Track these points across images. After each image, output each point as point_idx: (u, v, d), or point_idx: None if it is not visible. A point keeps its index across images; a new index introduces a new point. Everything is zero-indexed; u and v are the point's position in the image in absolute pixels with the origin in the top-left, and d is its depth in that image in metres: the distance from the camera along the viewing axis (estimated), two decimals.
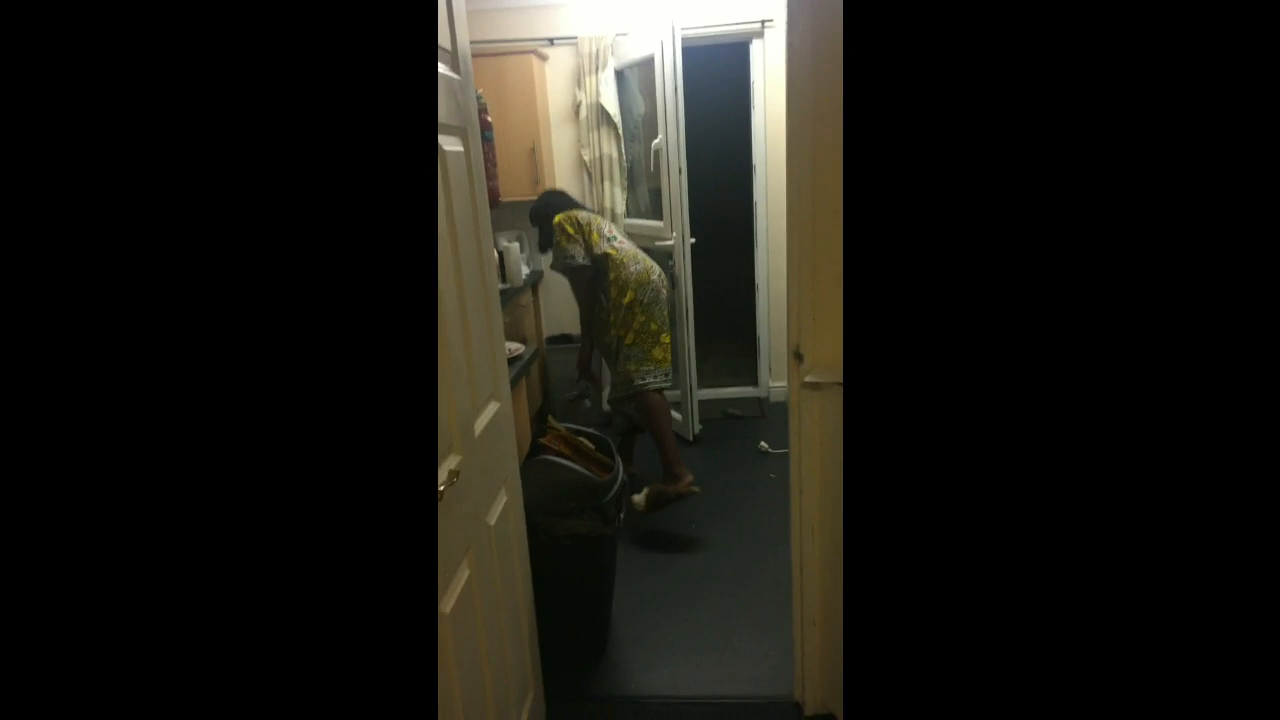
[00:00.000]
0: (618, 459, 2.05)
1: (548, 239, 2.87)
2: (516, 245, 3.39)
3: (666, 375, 2.75)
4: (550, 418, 2.22)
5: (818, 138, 1.40)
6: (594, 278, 2.78)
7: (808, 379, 1.51)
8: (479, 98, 2.86)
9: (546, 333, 3.86)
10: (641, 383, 2.71)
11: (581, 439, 2.08)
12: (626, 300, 2.72)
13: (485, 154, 2.90)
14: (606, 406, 2.91)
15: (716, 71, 3.96)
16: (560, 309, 3.89)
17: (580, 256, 2.74)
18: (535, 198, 3.45)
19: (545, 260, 3.77)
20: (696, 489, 2.58)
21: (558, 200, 2.93)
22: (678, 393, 3.44)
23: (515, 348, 2.15)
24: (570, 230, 2.75)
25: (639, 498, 2.59)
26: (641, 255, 2.80)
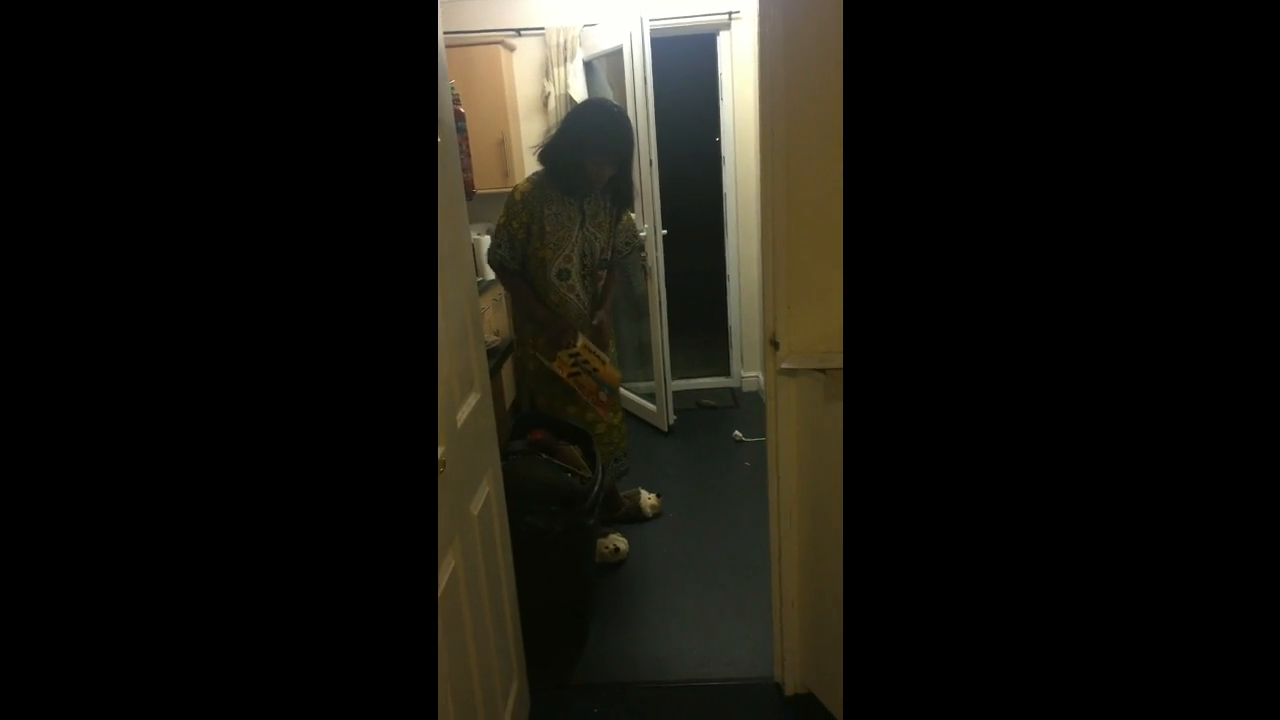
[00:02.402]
0: (599, 464, 2.06)
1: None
2: (487, 238, 3.37)
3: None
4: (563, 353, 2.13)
5: (792, 127, 1.42)
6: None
7: (784, 365, 1.54)
8: (451, 88, 2.83)
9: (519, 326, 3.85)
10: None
11: (564, 443, 2.08)
12: None
13: (459, 145, 2.88)
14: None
15: (684, 63, 3.97)
16: None
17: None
18: (506, 189, 3.44)
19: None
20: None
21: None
22: (651, 384, 3.47)
23: (492, 338, 2.14)
24: None
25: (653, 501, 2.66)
26: None
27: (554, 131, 2.24)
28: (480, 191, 3.37)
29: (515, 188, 2.28)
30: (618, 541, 2.42)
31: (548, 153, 2.21)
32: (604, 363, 2.32)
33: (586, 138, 2.13)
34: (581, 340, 2.25)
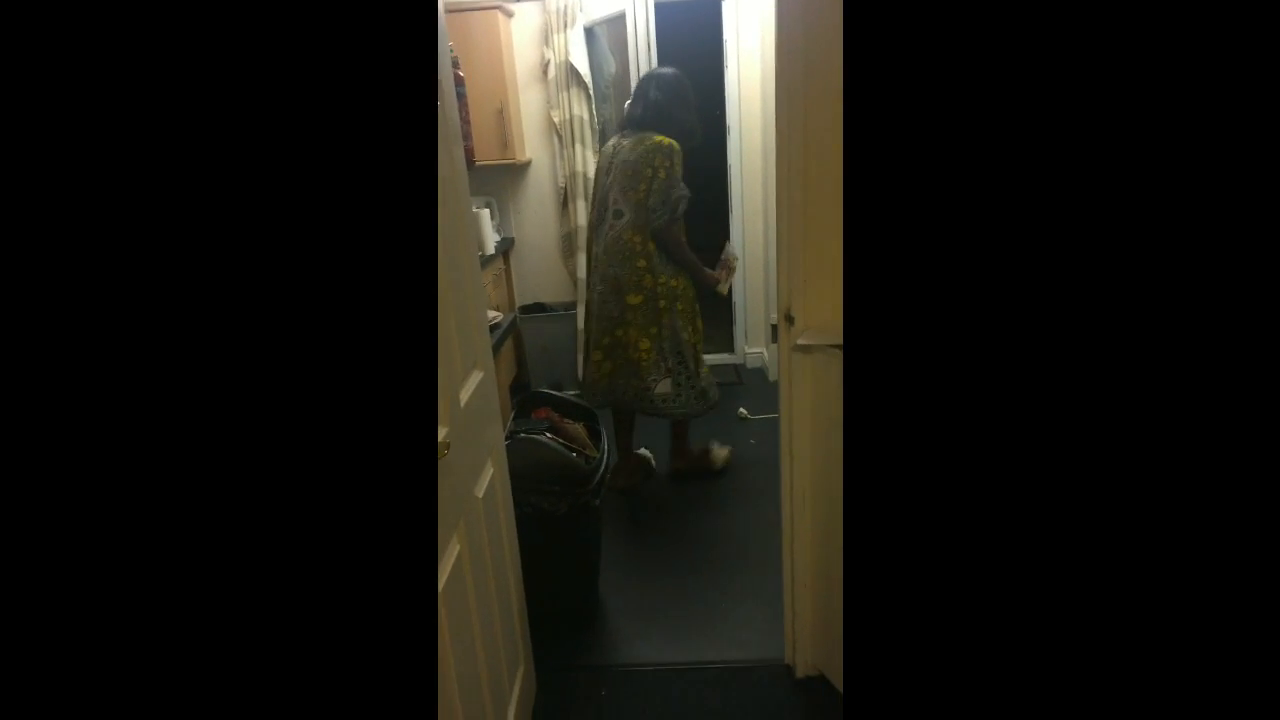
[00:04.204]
0: (605, 442, 2.01)
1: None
2: (487, 211, 3.29)
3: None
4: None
5: (810, 95, 1.35)
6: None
7: (799, 341, 1.48)
8: (450, 51, 2.74)
9: (519, 302, 3.79)
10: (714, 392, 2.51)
11: (569, 422, 2.03)
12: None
13: (459, 111, 2.79)
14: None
15: (689, 30, 3.85)
16: (533, 278, 3.81)
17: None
18: (505, 160, 3.36)
19: (535, 224, 3.71)
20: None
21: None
22: None
23: (495, 315, 2.08)
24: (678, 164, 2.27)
25: (723, 453, 2.75)
26: None
27: (669, 103, 2.32)
28: (481, 163, 3.28)
29: (674, 145, 2.27)
30: (719, 452, 2.69)
31: (684, 125, 2.33)
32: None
33: (689, 97, 2.36)
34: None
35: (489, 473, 1.39)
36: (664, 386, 2.40)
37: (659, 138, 2.25)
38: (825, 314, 1.47)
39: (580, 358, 3.38)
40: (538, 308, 3.74)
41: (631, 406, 2.49)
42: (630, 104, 2.42)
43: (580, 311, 3.59)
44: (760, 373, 3.76)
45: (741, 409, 3.29)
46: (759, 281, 3.64)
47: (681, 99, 2.33)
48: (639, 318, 2.35)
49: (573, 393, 3.59)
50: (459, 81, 2.83)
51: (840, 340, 1.43)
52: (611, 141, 2.41)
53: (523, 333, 3.62)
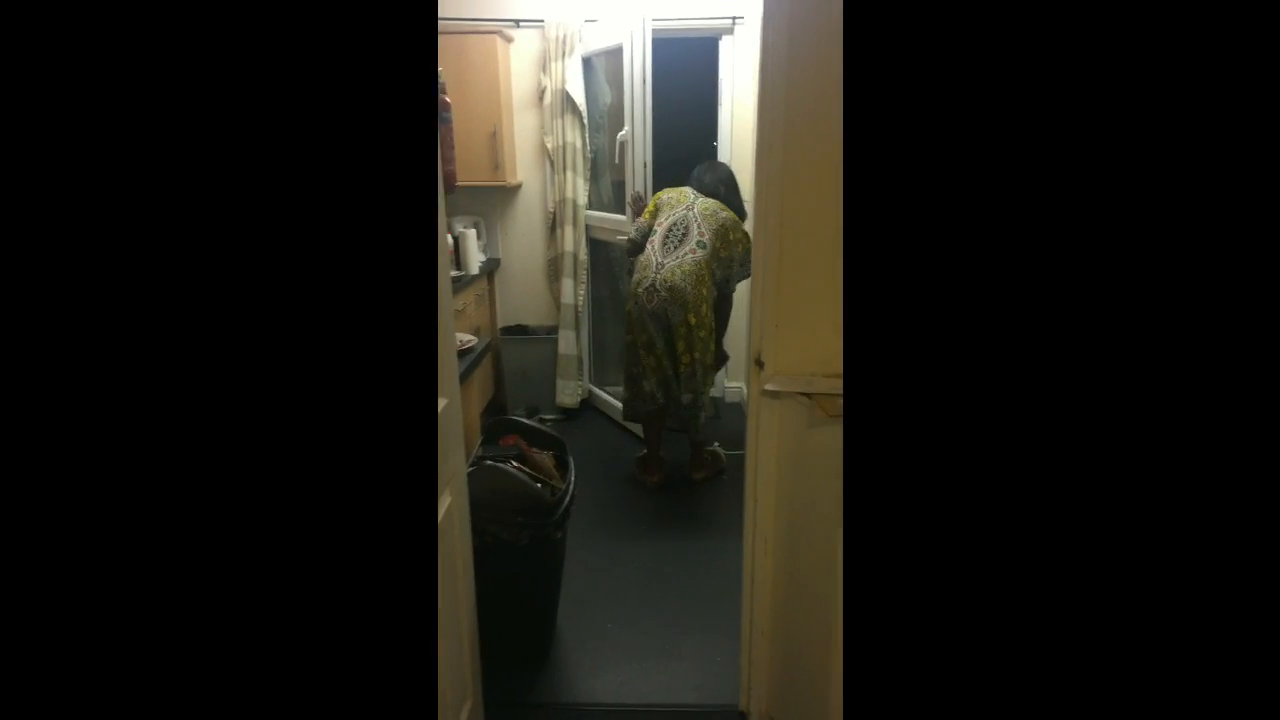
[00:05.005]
0: (571, 474, 1.99)
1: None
2: (474, 231, 3.29)
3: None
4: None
5: (789, 142, 1.36)
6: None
7: (768, 386, 1.48)
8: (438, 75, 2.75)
9: (501, 323, 3.77)
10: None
11: (537, 451, 2.01)
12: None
13: (442, 136, 2.80)
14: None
15: (685, 66, 3.90)
16: (517, 300, 3.80)
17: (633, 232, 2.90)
18: (495, 184, 3.37)
19: (522, 247, 3.74)
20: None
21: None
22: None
23: (466, 339, 2.07)
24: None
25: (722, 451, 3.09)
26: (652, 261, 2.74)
27: (731, 190, 2.92)
28: (471, 184, 3.29)
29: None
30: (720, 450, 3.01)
31: (743, 210, 2.89)
32: None
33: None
34: None
35: (446, 501, 1.36)
36: (688, 399, 2.80)
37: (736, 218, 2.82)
38: (796, 360, 1.47)
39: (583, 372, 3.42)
40: (519, 329, 3.73)
41: (664, 412, 2.87)
42: (702, 171, 2.94)
43: (562, 336, 3.58)
44: (738, 408, 3.75)
45: (716, 444, 3.28)
46: (742, 318, 3.66)
47: (736, 188, 2.95)
48: (690, 335, 2.70)
49: (550, 417, 3.58)
50: (444, 106, 2.84)
51: (809, 388, 1.43)
52: (689, 190, 2.86)
53: (502, 354, 3.60)
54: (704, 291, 2.68)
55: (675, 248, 2.71)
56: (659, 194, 2.88)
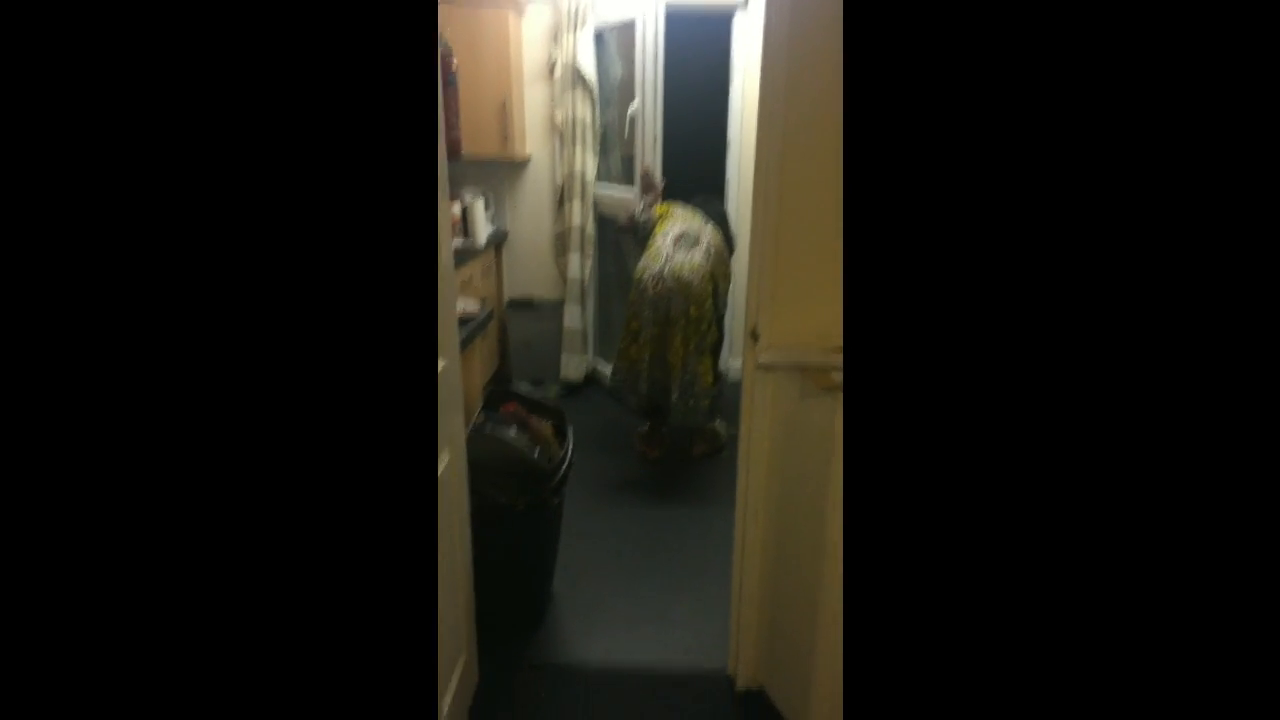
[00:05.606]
0: (569, 443, 2.02)
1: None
2: (482, 202, 3.30)
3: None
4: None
5: (790, 118, 1.37)
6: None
7: (762, 360, 1.49)
8: (445, 42, 2.75)
9: (508, 295, 3.80)
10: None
11: (535, 418, 2.04)
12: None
13: (447, 101, 2.79)
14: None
15: (697, 42, 3.87)
16: (524, 272, 3.82)
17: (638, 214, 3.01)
18: (504, 157, 3.37)
19: (530, 220, 3.77)
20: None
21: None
22: None
23: (470, 306, 2.09)
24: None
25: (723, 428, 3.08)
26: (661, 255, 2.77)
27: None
28: (480, 157, 3.29)
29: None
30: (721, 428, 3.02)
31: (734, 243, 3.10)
32: None
33: None
34: None
35: (445, 458, 1.40)
36: (674, 392, 2.76)
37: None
38: (791, 334, 1.48)
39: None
40: (526, 303, 3.75)
41: (653, 400, 2.84)
42: (704, 200, 3.07)
43: (568, 310, 3.60)
44: (739, 386, 3.76)
45: (720, 421, 3.30)
46: (739, 304, 3.66)
47: (728, 223, 3.12)
48: (689, 327, 2.69)
49: (554, 388, 3.60)
50: (448, 70, 2.83)
51: (802, 361, 1.45)
52: (700, 213, 2.96)
53: (508, 326, 3.63)
54: (708, 288, 2.74)
55: (688, 249, 2.78)
56: (672, 204, 2.96)
